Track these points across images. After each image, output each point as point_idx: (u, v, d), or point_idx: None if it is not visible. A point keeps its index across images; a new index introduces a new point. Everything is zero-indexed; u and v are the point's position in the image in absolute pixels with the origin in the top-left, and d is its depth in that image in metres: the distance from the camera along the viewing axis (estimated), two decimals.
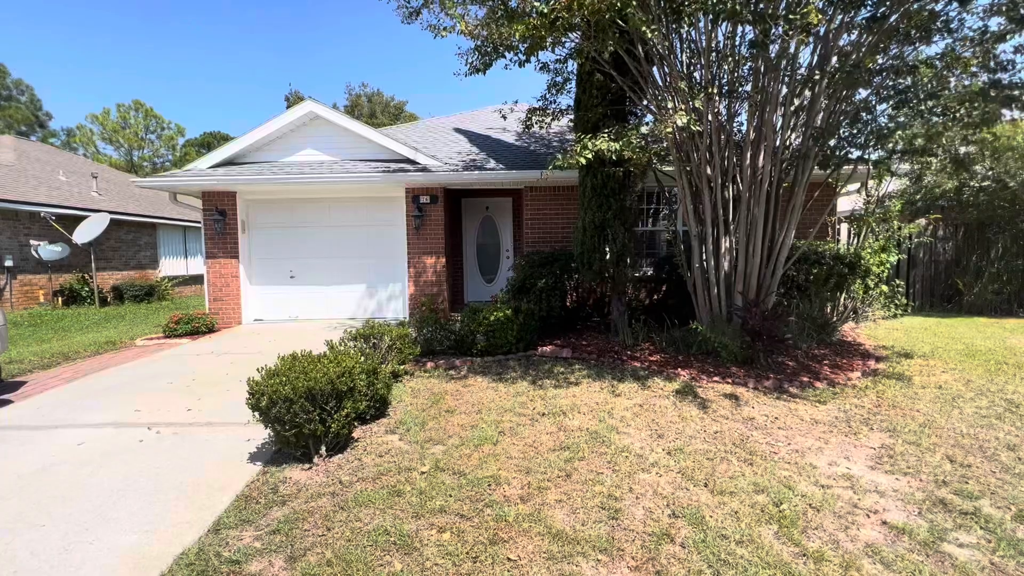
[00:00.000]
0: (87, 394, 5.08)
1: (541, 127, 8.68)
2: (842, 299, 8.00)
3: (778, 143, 5.58)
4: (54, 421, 4.33)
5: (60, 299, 12.43)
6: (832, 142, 5.65)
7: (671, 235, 6.68)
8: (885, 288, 8.77)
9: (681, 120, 4.44)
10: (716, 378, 5.18)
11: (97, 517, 2.84)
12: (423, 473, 3.29)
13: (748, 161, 5.68)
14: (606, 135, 4.91)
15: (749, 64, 5.72)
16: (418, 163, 8.59)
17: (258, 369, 3.53)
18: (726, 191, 5.85)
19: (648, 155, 4.85)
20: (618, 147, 4.79)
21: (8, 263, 11.36)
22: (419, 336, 6.09)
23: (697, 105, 4.65)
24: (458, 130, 11.10)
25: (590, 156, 4.74)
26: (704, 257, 6.12)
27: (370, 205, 9.12)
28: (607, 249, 6.27)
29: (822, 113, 5.54)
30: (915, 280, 10.36)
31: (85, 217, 12.90)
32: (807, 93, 5.42)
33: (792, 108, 5.48)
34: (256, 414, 3.35)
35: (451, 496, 3.01)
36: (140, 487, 3.17)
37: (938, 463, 3.42)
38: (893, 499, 2.99)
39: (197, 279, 18.03)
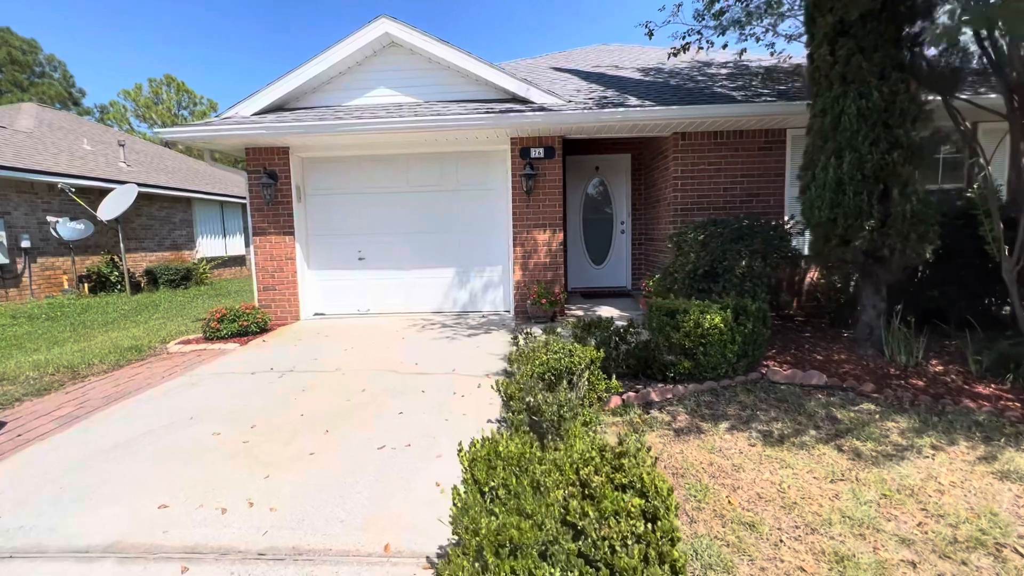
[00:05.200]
0: (83, 458, 3.10)
1: (703, 47, 6.24)
2: None
3: None
4: (15, 537, 2.34)
5: (86, 285, 10.78)
6: None
7: (976, 194, 4.21)
8: None
9: None
10: None
11: None
12: None
13: None
14: None
15: None
16: (532, 102, 6.27)
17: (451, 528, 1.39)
18: None
19: None
20: None
21: (25, 243, 9.68)
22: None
23: None
24: (557, 69, 8.65)
25: None
26: None
27: (460, 163, 6.90)
28: (889, 212, 3.90)
29: None
30: None
31: (111, 190, 11.17)
32: None
33: None
34: None
35: None
36: None
37: None
38: None
39: (237, 260, 16.39)
